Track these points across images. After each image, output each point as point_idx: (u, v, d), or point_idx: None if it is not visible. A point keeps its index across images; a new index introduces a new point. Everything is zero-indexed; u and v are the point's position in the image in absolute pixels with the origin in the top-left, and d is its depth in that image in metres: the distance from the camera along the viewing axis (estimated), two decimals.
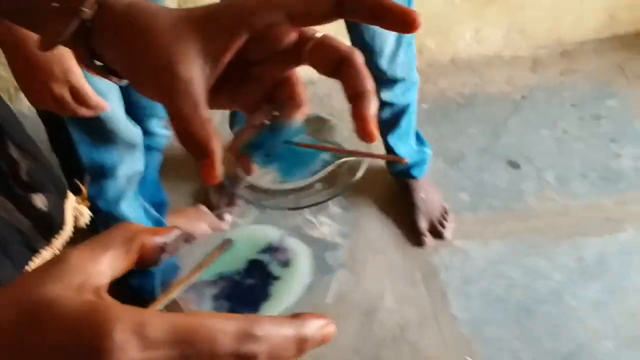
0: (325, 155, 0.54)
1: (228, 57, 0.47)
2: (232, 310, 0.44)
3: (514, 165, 2.35)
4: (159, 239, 0.41)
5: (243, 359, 0.33)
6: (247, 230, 0.50)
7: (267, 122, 0.51)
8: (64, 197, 0.83)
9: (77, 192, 0.89)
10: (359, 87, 0.47)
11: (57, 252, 0.79)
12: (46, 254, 0.76)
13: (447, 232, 2.14)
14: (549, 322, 1.96)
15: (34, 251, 0.75)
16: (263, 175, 0.54)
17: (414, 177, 2.18)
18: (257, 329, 0.34)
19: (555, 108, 2.54)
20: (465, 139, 2.42)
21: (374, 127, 0.46)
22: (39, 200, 0.75)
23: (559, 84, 2.63)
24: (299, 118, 0.51)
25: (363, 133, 0.47)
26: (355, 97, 0.47)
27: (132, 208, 1.68)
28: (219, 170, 0.45)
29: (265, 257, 0.47)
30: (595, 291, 2.01)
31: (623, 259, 2.08)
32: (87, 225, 0.86)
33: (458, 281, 2.05)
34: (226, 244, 0.47)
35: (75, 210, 0.84)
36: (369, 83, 0.47)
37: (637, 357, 1.87)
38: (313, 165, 0.53)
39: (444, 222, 2.15)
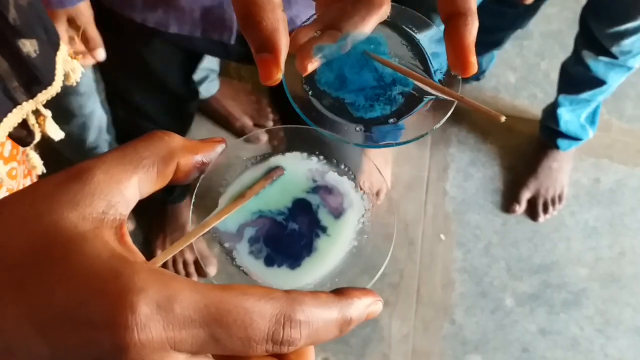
0: (404, 86, 0.44)
1: None
2: (271, 260, 0.39)
3: None
4: (199, 158, 0.35)
5: (279, 344, 0.29)
6: (297, 158, 0.42)
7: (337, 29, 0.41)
8: (55, 47, 0.73)
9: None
10: (456, 4, 0.38)
11: (41, 108, 0.72)
12: (28, 107, 0.69)
13: (542, 218, 1.93)
14: (534, 229, 1.92)
15: (14, 102, 0.67)
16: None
17: (557, 147, 1.90)
18: (299, 313, 0.29)
19: None
20: (542, 16, 2.21)
21: (473, 56, 0.39)
22: (29, 45, 0.66)
23: None
24: (375, 22, 0.42)
25: (458, 62, 0.39)
26: (451, 17, 0.39)
27: None
28: (281, 69, 0.37)
29: (314, 199, 0.40)
30: (594, 217, 1.95)
31: (638, 197, 1.99)
32: (76, 82, 0.77)
33: (464, 163, 1.99)
34: (275, 172, 0.40)
35: (67, 65, 0.75)
36: (472, 0, 0.39)
37: (603, 294, 1.86)
38: (390, 94, 0.44)
39: (550, 206, 1.92)
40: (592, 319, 1.83)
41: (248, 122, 1.92)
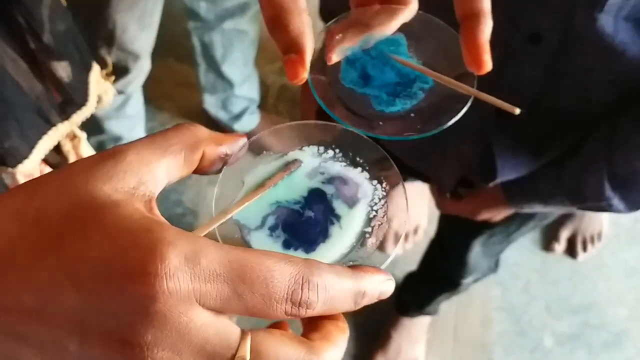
0: (424, 83, 0.47)
1: None
2: (288, 244, 0.41)
3: None
4: (223, 149, 0.37)
5: (297, 305, 0.31)
6: (313, 152, 0.44)
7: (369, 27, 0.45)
8: (87, 68, 0.75)
9: (102, 64, 0.78)
10: (471, 5, 0.41)
11: (76, 129, 0.73)
12: (63, 129, 0.70)
13: (582, 256, 1.91)
14: (574, 268, 1.91)
15: (50, 124, 0.68)
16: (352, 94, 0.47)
17: None
18: (317, 277, 0.31)
19: None
20: None
21: (487, 54, 0.41)
22: (62, 69, 0.68)
23: None
24: (400, 22, 0.45)
25: (473, 61, 0.42)
26: (466, 18, 0.42)
27: None
28: (307, 68, 0.40)
29: (329, 189, 0.42)
30: (635, 257, 1.93)
31: None
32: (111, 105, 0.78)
33: None
34: (293, 164, 0.42)
35: (99, 87, 0.76)
36: (485, 2, 0.41)
37: None
38: (410, 90, 0.46)
39: (589, 244, 1.89)
40: None
41: None
